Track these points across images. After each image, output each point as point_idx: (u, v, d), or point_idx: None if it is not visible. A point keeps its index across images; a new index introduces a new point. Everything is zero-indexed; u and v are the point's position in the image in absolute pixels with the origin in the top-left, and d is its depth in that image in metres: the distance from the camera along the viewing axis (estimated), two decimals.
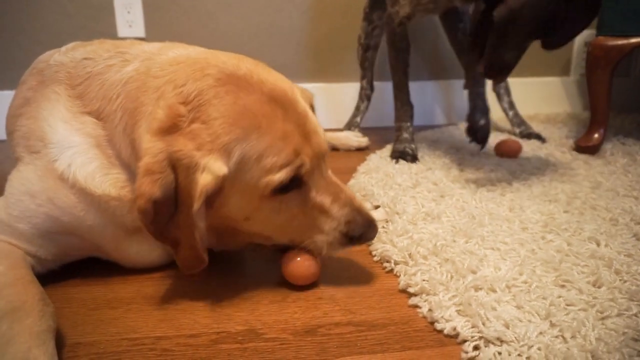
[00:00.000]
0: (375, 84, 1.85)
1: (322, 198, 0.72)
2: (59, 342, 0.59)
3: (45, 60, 0.82)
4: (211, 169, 0.63)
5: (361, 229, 0.73)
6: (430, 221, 0.95)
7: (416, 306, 0.71)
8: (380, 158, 1.42)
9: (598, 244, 0.84)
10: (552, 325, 0.63)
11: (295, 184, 0.69)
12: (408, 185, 1.16)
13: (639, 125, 1.81)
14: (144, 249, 0.78)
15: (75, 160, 0.71)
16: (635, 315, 0.64)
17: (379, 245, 0.86)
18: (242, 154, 0.65)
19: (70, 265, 0.79)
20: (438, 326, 0.66)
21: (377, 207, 0.97)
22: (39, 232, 0.73)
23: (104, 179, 0.72)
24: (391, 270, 0.81)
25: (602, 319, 0.64)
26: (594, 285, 0.72)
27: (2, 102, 1.07)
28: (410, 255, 0.81)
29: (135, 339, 0.64)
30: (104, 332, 0.66)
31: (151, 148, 0.63)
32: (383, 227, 0.92)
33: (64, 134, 0.72)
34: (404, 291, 0.75)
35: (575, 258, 0.79)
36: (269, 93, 0.67)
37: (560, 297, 0.69)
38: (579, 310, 0.66)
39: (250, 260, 0.86)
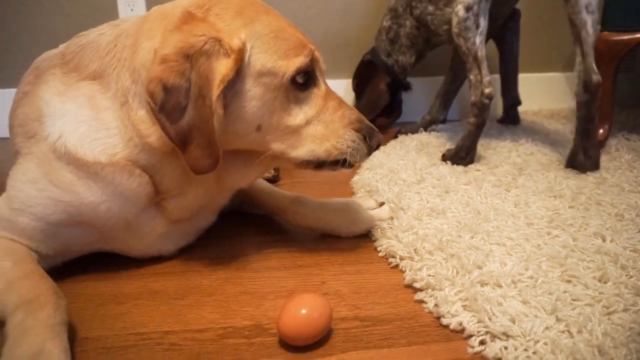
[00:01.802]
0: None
1: (331, 100, 0.76)
2: (69, 336, 0.59)
3: (42, 58, 0.82)
4: (233, 48, 0.65)
5: (368, 129, 0.77)
6: (435, 217, 0.94)
7: (422, 301, 0.71)
8: (384, 154, 1.42)
9: (604, 240, 0.84)
10: (558, 320, 0.63)
11: (310, 80, 0.74)
12: (412, 181, 1.15)
13: None
14: (153, 224, 0.77)
15: (65, 129, 0.70)
16: None
17: (384, 241, 0.86)
18: (258, 32, 0.69)
19: (75, 262, 0.79)
20: (444, 321, 0.66)
21: (382, 204, 0.97)
22: (40, 226, 0.71)
23: (93, 144, 0.70)
24: (396, 266, 0.81)
25: (609, 314, 0.64)
26: (600, 281, 0.72)
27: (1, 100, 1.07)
28: (415, 250, 0.81)
29: (143, 333, 0.65)
30: (111, 327, 0.66)
31: (167, 40, 0.64)
32: (388, 223, 0.92)
33: (58, 105, 0.72)
34: (409, 286, 0.75)
35: (581, 253, 0.79)
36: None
37: (566, 292, 0.69)
38: (585, 305, 0.66)
39: (256, 253, 0.86)
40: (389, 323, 0.66)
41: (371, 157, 1.40)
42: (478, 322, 0.64)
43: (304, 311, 0.59)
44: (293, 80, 0.71)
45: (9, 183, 0.74)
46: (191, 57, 0.64)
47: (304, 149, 0.75)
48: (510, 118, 1.75)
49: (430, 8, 1.48)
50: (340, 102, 0.78)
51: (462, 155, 1.29)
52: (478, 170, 1.24)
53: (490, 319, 0.63)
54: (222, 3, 0.70)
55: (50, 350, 0.53)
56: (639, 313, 0.64)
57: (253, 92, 0.69)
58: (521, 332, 0.60)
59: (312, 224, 0.91)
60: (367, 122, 0.79)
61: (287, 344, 0.60)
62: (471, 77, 1.26)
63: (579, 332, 0.60)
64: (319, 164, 0.77)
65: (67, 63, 0.75)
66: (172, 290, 0.75)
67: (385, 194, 1.07)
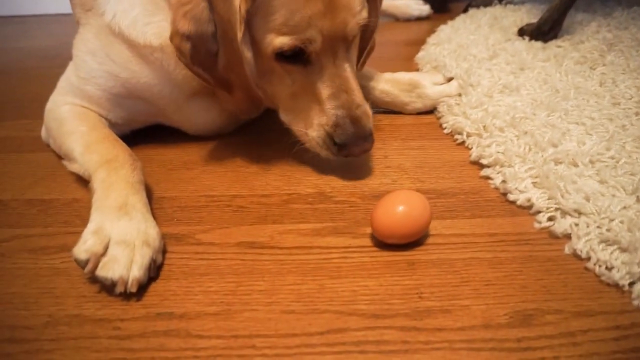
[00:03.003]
0: None
1: (321, 87, 0.66)
2: (147, 194, 0.64)
3: None
4: None
5: (347, 138, 0.65)
6: (508, 94, 0.88)
7: (488, 177, 0.69)
8: (453, 29, 1.30)
9: None
10: (639, 200, 0.59)
11: (300, 59, 0.64)
12: (484, 57, 1.06)
13: None
14: (204, 111, 0.77)
15: (117, 8, 0.69)
16: None
17: (451, 118, 0.82)
18: None
19: (144, 131, 0.82)
20: (511, 197, 0.64)
21: (450, 79, 0.90)
22: (105, 95, 0.74)
23: (145, 28, 0.68)
24: (462, 143, 0.78)
25: None
26: None
27: None
28: (484, 127, 0.77)
29: (212, 196, 0.68)
30: (183, 189, 0.70)
31: None
32: (455, 100, 0.87)
33: None
34: (475, 163, 0.72)
35: None
36: None
37: None
38: None
39: None
40: (453, 196, 0.65)
41: (437, 32, 1.30)
42: (549, 198, 0.61)
43: (401, 208, 0.54)
44: (277, 54, 0.63)
45: (74, 52, 0.76)
46: None
47: (288, 117, 0.70)
48: None
49: None
50: (332, 94, 0.65)
51: (545, 29, 1.15)
52: (559, 46, 1.11)
53: (562, 196, 0.60)
54: None
55: (133, 203, 0.58)
56: None
57: (254, 50, 0.63)
58: (595, 210, 0.58)
59: (377, 98, 0.87)
60: (351, 129, 0.65)
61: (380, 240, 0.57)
62: None
63: None
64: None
65: None
66: (238, 158, 0.77)
67: (454, 70, 0.99)
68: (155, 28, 0.68)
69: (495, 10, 1.46)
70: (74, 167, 0.69)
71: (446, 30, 1.28)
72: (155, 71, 0.72)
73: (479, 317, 0.47)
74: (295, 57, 0.63)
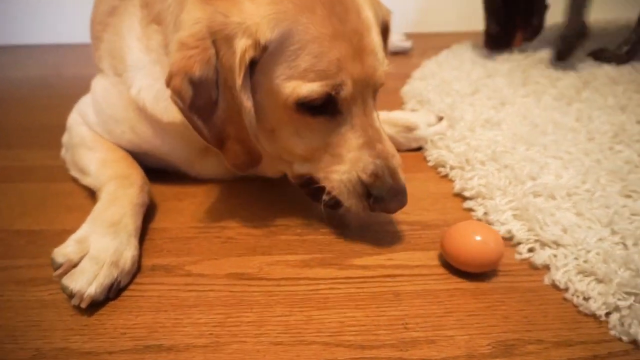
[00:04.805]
0: None
1: (353, 137, 0.59)
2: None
3: None
4: (252, 33, 0.53)
5: (385, 191, 0.58)
6: (489, 128, 0.91)
7: (471, 209, 0.71)
8: (437, 64, 1.35)
9: None
10: (614, 232, 0.62)
11: (328, 109, 0.58)
12: (466, 92, 1.10)
13: None
14: (215, 167, 0.77)
15: (143, 83, 0.68)
16: None
17: (434, 151, 0.85)
18: (286, 31, 0.54)
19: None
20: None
21: (440, 118, 0.93)
22: (123, 146, 0.76)
23: (167, 103, 0.65)
24: (446, 175, 0.80)
25: None
26: None
27: None
28: (467, 160, 0.80)
29: (202, 227, 0.69)
30: (174, 220, 0.71)
31: (189, 18, 0.55)
32: (439, 134, 0.90)
33: (137, 54, 0.69)
34: (458, 195, 0.75)
35: None
36: None
37: (625, 206, 0.67)
38: None
39: None
40: (437, 228, 0.67)
41: (421, 67, 1.35)
42: (528, 230, 0.64)
43: (478, 238, 0.56)
44: (298, 105, 0.57)
45: (94, 98, 0.76)
46: (216, 41, 0.54)
47: (303, 169, 0.64)
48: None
49: None
50: (366, 144, 0.59)
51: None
52: (538, 82, 1.17)
53: (541, 227, 0.63)
54: None
55: (126, 223, 0.61)
56: None
57: (264, 101, 0.58)
58: (572, 242, 0.60)
59: None
60: (390, 181, 0.59)
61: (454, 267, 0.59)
62: None
63: (635, 244, 0.59)
64: (313, 190, 0.64)
65: None
66: (227, 190, 0.78)
67: (437, 105, 1.03)
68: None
69: (477, 46, 1.52)
70: (86, 181, 0.73)
71: (430, 66, 1.33)
72: (176, 142, 0.73)
73: (462, 347, 0.49)
74: (322, 107, 0.57)
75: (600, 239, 0.61)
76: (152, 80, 0.67)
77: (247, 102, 0.56)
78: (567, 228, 0.62)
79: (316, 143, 0.60)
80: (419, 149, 0.89)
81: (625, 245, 0.60)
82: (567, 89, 1.11)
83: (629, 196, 0.69)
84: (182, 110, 0.57)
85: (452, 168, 0.80)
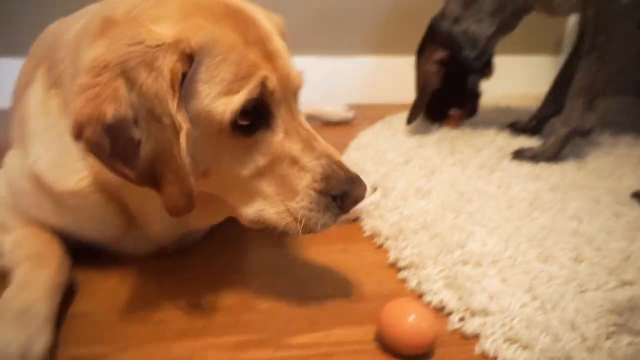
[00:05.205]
0: (370, 59, 1.84)
1: (290, 144, 0.58)
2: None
3: (51, 30, 0.75)
4: (175, 48, 0.50)
5: (344, 184, 0.58)
6: (421, 197, 0.96)
7: (405, 280, 0.73)
8: (372, 134, 1.43)
9: (580, 222, 0.87)
10: (534, 297, 0.66)
11: (261, 119, 0.57)
12: (400, 161, 1.17)
13: (625, 108, 1.84)
14: (138, 241, 0.72)
15: (39, 151, 0.65)
16: (613, 289, 0.68)
17: (370, 221, 0.88)
18: (205, 42, 0.53)
19: None
20: (426, 299, 0.68)
21: (375, 188, 0.97)
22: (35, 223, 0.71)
23: (61, 170, 0.63)
24: (381, 245, 0.83)
25: (582, 292, 0.67)
26: (575, 261, 0.75)
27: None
28: (400, 230, 0.83)
29: (130, 309, 0.65)
30: (99, 303, 0.66)
31: (87, 59, 0.50)
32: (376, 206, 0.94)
33: (36, 121, 0.66)
34: (393, 265, 0.77)
35: (558, 235, 0.82)
36: (224, 3, 0.57)
37: (542, 271, 0.71)
38: (560, 284, 0.69)
39: (243, 232, 0.87)
40: (373, 301, 0.68)
41: (358, 137, 1.42)
42: (458, 299, 0.66)
43: (412, 320, 0.56)
44: (234, 123, 0.55)
45: (6, 171, 0.73)
46: (128, 72, 0.49)
47: (254, 207, 0.60)
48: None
49: None
50: (305, 147, 0.59)
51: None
52: (463, 152, 1.26)
53: (470, 296, 0.66)
54: (162, 2, 0.55)
55: (37, 310, 0.56)
56: (610, 291, 0.67)
57: (192, 132, 0.53)
58: (499, 309, 0.63)
59: None
60: (342, 173, 0.59)
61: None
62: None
63: (553, 308, 0.63)
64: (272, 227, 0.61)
65: (47, 57, 0.67)
66: (158, 266, 0.76)
67: (372, 175, 1.08)
68: (68, 171, 0.63)
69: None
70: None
71: (366, 136, 1.41)
72: (78, 216, 0.68)
73: None
74: (255, 120, 0.56)
75: (523, 305, 0.64)
76: (47, 147, 0.64)
77: (186, 124, 0.52)
78: (493, 295, 0.66)
79: (260, 162, 0.58)
80: (356, 219, 0.92)
81: (544, 310, 0.63)
82: (489, 158, 1.21)
83: (546, 261, 0.75)
84: (103, 161, 0.52)
85: (386, 238, 0.83)
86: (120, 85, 0.49)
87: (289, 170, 0.58)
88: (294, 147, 0.58)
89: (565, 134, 1.16)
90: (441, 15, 1.30)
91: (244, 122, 0.55)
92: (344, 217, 0.89)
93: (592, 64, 1.09)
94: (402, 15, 1.91)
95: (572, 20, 2.08)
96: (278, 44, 0.60)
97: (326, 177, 0.58)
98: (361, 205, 0.91)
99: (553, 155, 1.17)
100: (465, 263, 0.73)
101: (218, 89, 0.53)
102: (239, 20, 0.57)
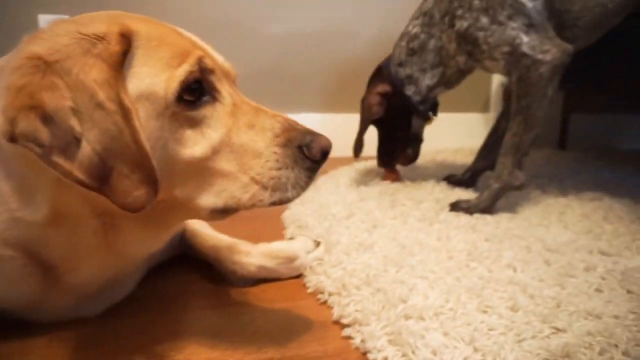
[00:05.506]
0: (318, 115, 1.90)
1: (242, 112, 0.58)
2: None
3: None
4: (111, 33, 0.51)
5: (307, 135, 0.58)
6: (363, 251, 0.97)
7: (349, 337, 0.71)
8: (315, 189, 1.44)
9: (515, 270, 0.90)
10: (476, 350, 0.66)
11: (206, 95, 0.57)
12: (342, 215, 1.18)
13: (549, 160, 2.00)
14: (61, 304, 0.67)
15: None
16: (548, 336, 0.70)
17: (313, 277, 0.87)
18: (139, 30, 0.54)
19: None
20: (370, 357, 0.66)
21: (318, 243, 0.97)
22: None
23: None
24: (325, 302, 0.81)
25: (519, 341, 0.68)
26: (511, 310, 0.77)
27: None
28: (343, 285, 0.83)
29: None
30: None
31: (11, 64, 0.48)
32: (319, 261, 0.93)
33: None
34: (337, 322, 0.75)
35: (495, 284, 0.84)
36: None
37: (482, 322, 0.73)
38: (499, 334, 0.70)
39: (182, 291, 0.83)
40: None
41: None
42: (402, 356, 0.65)
43: None
44: (179, 98, 0.54)
45: None
46: (59, 64, 0.48)
47: (213, 191, 0.57)
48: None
49: (485, 21, 1.15)
50: (257, 111, 0.60)
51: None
52: (404, 205, 1.30)
53: (413, 352, 0.65)
54: (92, 15, 0.57)
55: None
56: (545, 339, 0.69)
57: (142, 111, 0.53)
58: None
59: (253, 274, 0.85)
60: (301, 127, 0.60)
61: None
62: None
63: None
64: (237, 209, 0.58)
65: None
66: (89, 336, 0.69)
67: (316, 229, 1.08)
68: None
69: (351, 170, 1.68)
70: None
71: (310, 190, 1.41)
72: None
73: None
74: (200, 99, 0.56)
75: (465, 358, 0.64)
76: None
77: (134, 106, 0.50)
78: (436, 350, 0.65)
79: (216, 137, 0.56)
80: (299, 275, 0.91)
81: None
82: (428, 210, 1.25)
83: (485, 311, 0.76)
84: (42, 156, 0.47)
85: (330, 294, 0.82)
86: (56, 74, 0.47)
87: (247, 135, 0.57)
88: (247, 114, 0.59)
89: (497, 189, 1.24)
90: (388, 59, 1.41)
91: (190, 98, 0.55)
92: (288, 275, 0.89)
93: (519, 126, 1.18)
94: (347, 77, 2.01)
95: (496, 82, 2.29)
96: (205, 44, 0.63)
97: (287, 130, 0.58)
98: (305, 261, 0.91)
99: (487, 207, 1.24)
100: (408, 317, 0.73)
101: (159, 66, 0.54)
102: (172, 28, 0.60)
